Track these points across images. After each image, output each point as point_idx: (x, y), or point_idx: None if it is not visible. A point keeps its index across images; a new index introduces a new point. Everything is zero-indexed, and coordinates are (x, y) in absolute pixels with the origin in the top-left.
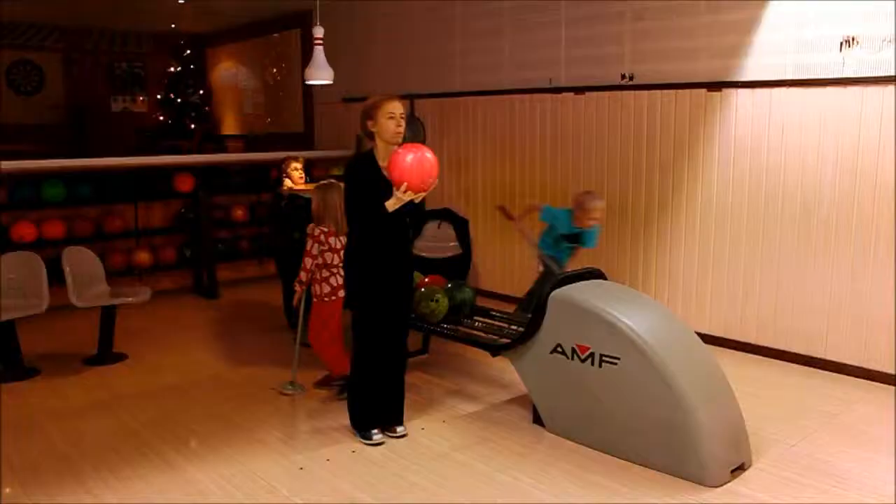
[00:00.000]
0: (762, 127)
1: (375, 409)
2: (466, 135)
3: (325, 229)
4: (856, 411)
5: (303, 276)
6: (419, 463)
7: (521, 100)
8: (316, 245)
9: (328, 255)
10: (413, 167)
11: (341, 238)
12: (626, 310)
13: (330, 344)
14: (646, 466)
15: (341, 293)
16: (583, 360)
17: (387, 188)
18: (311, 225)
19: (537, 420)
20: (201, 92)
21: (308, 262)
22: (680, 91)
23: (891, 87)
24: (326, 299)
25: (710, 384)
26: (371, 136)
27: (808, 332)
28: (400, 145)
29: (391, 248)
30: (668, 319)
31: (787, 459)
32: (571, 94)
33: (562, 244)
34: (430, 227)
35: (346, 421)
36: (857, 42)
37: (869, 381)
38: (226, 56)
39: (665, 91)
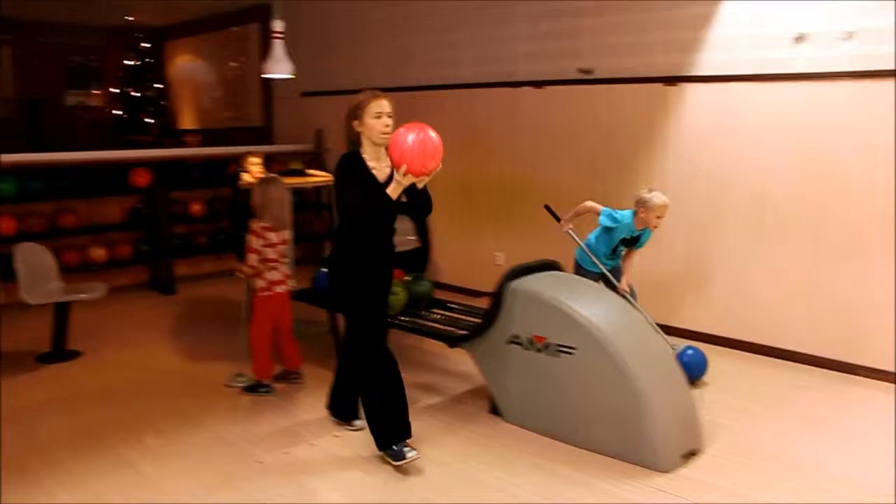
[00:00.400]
0: (717, 121)
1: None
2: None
3: (265, 224)
4: (806, 397)
5: (247, 270)
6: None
7: (481, 94)
8: (257, 240)
9: (266, 251)
10: (414, 149)
11: (280, 233)
12: (582, 300)
13: (260, 339)
14: (601, 453)
15: (278, 288)
16: (539, 351)
17: (378, 188)
18: (254, 220)
19: (495, 410)
20: (159, 86)
21: (251, 257)
22: (638, 85)
23: (842, 83)
24: (262, 293)
25: (663, 373)
26: (357, 137)
27: (761, 321)
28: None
29: (383, 247)
30: (622, 310)
31: (738, 444)
32: (531, 87)
33: (619, 248)
34: None
35: (303, 414)
36: (810, 39)
37: (820, 369)
38: (184, 50)
39: (623, 85)
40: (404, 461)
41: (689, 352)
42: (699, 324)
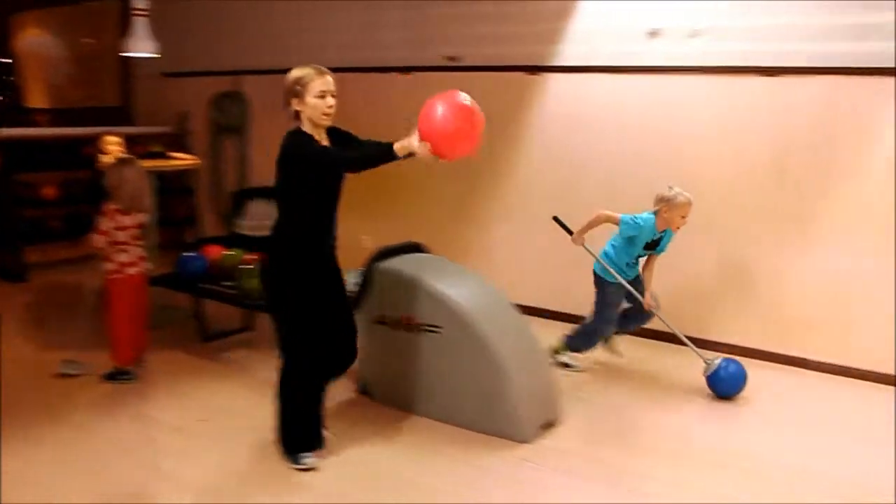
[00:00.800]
0: (576, 109)
1: (314, 429)
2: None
3: (117, 206)
4: (666, 371)
5: (98, 251)
6: (253, 438)
7: (348, 79)
8: (108, 221)
9: (118, 233)
10: (447, 126)
11: (134, 216)
12: (447, 281)
13: (118, 324)
14: (467, 428)
15: (129, 270)
16: (406, 330)
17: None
18: (106, 201)
19: (364, 391)
20: (6, 60)
21: (99, 238)
22: (502, 74)
23: (694, 77)
24: (113, 276)
25: (523, 349)
26: (296, 115)
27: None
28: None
29: (326, 236)
30: (486, 290)
31: (595, 416)
32: (398, 74)
33: (641, 253)
34: (255, 205)
35: (164, 399)
36: (663, 34)
37: (677, 346)
38: (33, 23)
39: (489, 73)
40: (302, 467)
41: (730, 367)
42: (565, 304)
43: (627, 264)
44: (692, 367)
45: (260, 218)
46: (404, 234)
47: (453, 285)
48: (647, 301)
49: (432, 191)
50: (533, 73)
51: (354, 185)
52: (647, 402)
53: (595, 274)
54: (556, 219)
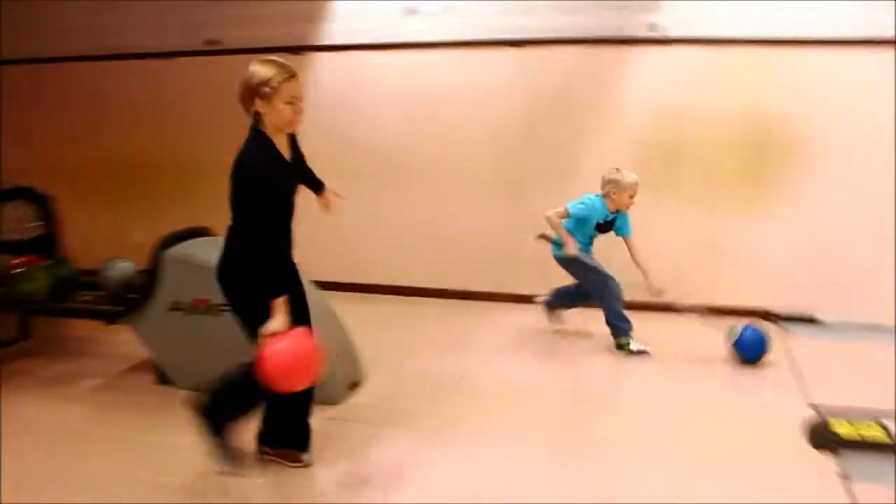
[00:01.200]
0: (342, 88)
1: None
2: (53, 105)
3: None
4: (452, 327)
5: None
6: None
7: (101, 68)
8: None
9: None
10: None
11: None
12: None
13: None
14: None
15: None
16: (202, 313)
17: (288, 175)
18: None
19: (164, 380)
20: None
21: None
22: (264, 56)
23: (449, 51)
24: None
25: (322, 317)
26: (256, 115)
27: (393, 264)
28: None
29: (285, 253)
30: None
31: (396, 373)
32: (158, 60)
33: (595, 235)
34: (11, 209)
35: None
36: (418, 11)
37: (463, 301)
38: None
39: (250, 55)
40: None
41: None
42: (352, 275)
43: (585, 244)
44: (487, 325)
45: (18, 221)
46: (180, 226)
47: None
48: (650, 284)
49: (209, 178)
50: (296, 53)
51: (124, 181)
52: (450, 357)
53: (558, 259)
54: (541, 237)
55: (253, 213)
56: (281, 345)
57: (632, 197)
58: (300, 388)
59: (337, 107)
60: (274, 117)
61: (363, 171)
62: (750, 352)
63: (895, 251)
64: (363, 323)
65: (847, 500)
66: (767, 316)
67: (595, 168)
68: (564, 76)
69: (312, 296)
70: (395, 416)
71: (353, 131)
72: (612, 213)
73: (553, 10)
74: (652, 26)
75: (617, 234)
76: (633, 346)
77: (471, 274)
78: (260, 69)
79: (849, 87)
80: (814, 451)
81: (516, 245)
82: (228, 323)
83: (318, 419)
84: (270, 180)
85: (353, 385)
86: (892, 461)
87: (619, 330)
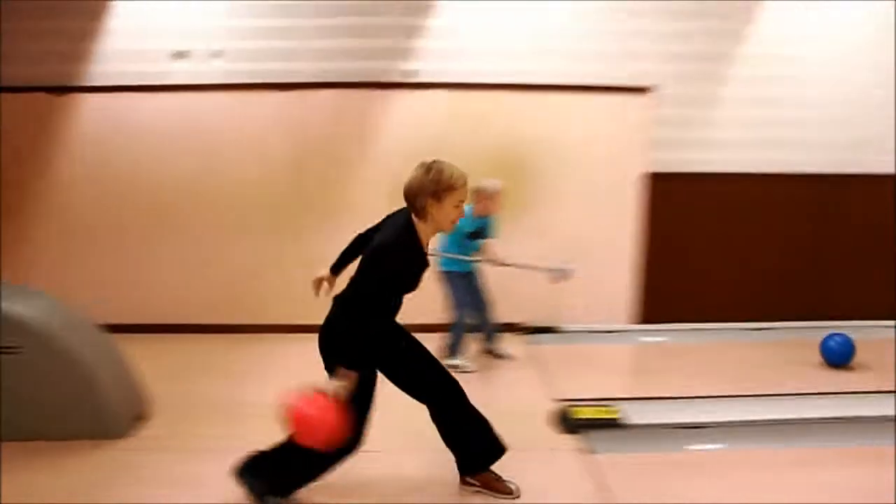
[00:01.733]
0: (110, 131)
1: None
2: None
3: None
4: (229, 359)
5: None
6: None
7: None
8: None
9: None
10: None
11: None
12: (21, 301)
13: None
14: (63, 440)
15: None
16: None
17: (423, 268)
18: None
19: None
20: None
21: None
22: (29, 95)
23: (218, 94)
24: None
25: (103, 355)
26: (421, 211)
27: (171, 302)
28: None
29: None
30: (62, 308)
31: (180, 404)
32: (47, 94)
33: (469, 244)
34: None
35: None
36: (189, 55)
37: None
38: None
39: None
40: None
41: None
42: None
43: (462, 253)
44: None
45: None
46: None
47: (27, 304)
48: (495, 258)
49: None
50: (57, 95)
51: None
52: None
53: (443, 272)
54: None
55: (378, 292)
56: (312, 400)
57: (497, 202)
58: (307, 443)
59: (107, 149)
60: (441, 217)
61: (139, 216)
62: (839, 356)
63: (628, 265)
64: (149, 361)
65: (590, 469)
66: (514, 328)
67: (360, 202)
68: (328, 117)
69: (91, 333)
70: (177, 441)
71: (125, 173)
72: (482, 216)
73: (316, 58)
74: (405, 73)
75: (485, 238)
76: (457, 362)
77: (245, 307)
78: (446, 169)
79: (580, 124)
80: (560, 435)
81: (289, 278)
82: (12, 365)
83: (105, 452)
84: (408, 272)
85: (138, 417)
86: (624, 434)
87: (450, 343)
